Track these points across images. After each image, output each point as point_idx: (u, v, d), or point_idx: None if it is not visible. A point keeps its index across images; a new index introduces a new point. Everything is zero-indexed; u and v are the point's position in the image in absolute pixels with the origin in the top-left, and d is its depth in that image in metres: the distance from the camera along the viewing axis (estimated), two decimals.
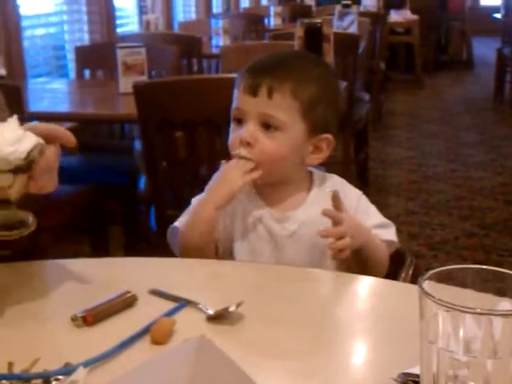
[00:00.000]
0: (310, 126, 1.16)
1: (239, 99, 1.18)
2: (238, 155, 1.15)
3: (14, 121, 0.92)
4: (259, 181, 1.18)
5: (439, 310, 0.58)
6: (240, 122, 1.17)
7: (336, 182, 1.24)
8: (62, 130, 0.98)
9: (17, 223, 0.94)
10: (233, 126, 1.19)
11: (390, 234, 1.21)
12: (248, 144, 1.14)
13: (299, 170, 1.21)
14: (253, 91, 1.15)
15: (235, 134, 1.17)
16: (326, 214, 1.09)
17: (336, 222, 1.09)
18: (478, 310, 0.56)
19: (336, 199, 1.12)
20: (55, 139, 0.96)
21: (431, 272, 0.61)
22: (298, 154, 1.18)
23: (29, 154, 0.90)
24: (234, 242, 1.20)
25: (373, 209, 1.23)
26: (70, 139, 0.98)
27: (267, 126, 1.14)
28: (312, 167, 1.25)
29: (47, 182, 0.96)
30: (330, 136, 1.19)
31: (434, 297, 0.57)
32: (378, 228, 1.20)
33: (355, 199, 1.22)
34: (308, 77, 1.18)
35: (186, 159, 1.99)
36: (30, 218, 0.95)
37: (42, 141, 0.92)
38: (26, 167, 0.90)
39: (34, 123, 0.98)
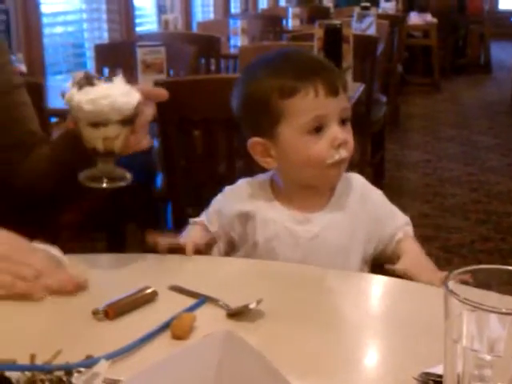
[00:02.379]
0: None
1: (318, 105, 1.12)
2: (340, 159, 1.14)
3: (120, 78, 0.99)
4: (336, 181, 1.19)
5: (464, 310, 0.58)
6: (318, 130, 1.13)
7: (358, 182, 1.23)
8: (154, 88, 1.04)
9: (115, 177, 1.01)
10: (308, 137, 1.13)
11: (410, 228, 1.23)
12: (343, 144, 1.14)
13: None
14: (335, 91, 1.13)
15: (316, 146, 1.13)
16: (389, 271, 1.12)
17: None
18: (503, 310, 0.56)
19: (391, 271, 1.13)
20: (149, 96, 1.03)
21: (457, 271, 0.61)
22: None
23: (137, 106, 0.98)
24: (256, 247, 1.19)
25: (393, 207, 1.24)
26: (163, 93, 1.07)
27: (343, 121, 1.15)
28: None
29: (143, 138, 1.04)
30: None
31: (459, 296, 0.57)
32: (407, 225, 1.22)
33: (378, 199, 1.23)
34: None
35: (204, 157, 1.99)
36: (127, 174, 1.02)
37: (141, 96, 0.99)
38: (133, 118, 0.98)
39: None
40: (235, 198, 1.22)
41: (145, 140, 1.05)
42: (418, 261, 1.15)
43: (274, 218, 1.18)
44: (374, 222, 1.20)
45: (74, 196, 1.25)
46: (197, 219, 1.25)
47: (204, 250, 1.16)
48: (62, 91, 0.99)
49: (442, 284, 1.02)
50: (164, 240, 1.11)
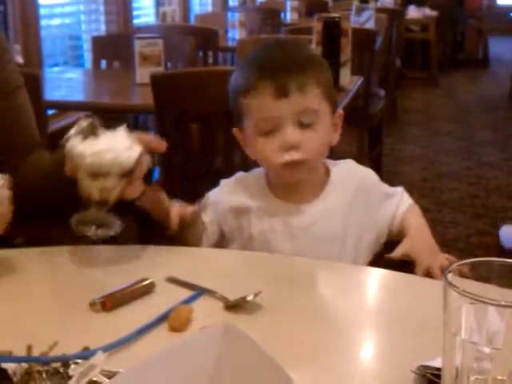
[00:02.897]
0: (331, 106, 1.18)
1: (267, 108, 1.12)
2: (291, 160, 1.13)
3: (123, 130, 0.99)
4: (303, 178, 1.17)
5: (463, 302, 0.58)
6: (270, 131, 1.13)
7: (351, 168, 1.25)
8: (152, 138, 1.05)
9: (106, 225, 1.00)
10: (260, 139, 1.14)
11: (407, 196, 1.28)
12: (294, 147, 1.12)
13: (326, 154, 1.22)
14: (284, 93, 1.11)
15: (267, 147, 1.13)
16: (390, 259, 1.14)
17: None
18: (503, 303, 0.56)
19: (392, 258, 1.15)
20: (147, 148, 1.02)
21: (456, 264, 0.61)
22: (328, 138, 1.18)
23: (137, 160, 0.97)
24: (251, 240, 1.19)
25: (386, 187, 1.27)
26: (161, 145, 1.05)
27: (302, 124, 1.13)
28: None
29: (137, 188, 1.02)
30: (340, 110, 1.22)
31: (458, 288, 0.57)
32: (403, 198, 1.26)
33: (373, 184, 1.25)
34: (316, 59, 1.21)
35: (202, 151, 1.99)
36: (117, 223, 1.01)
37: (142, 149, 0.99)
38: (132, 172, 0.98)
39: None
40: (231, 192, 1.22)
41: (138, 189, 1.04)
42: (420, 240, 1.18)
43: (269, 210, 1.18)
44: (371, 207, 1.21)
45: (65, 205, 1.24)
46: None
47: (189, 217, 1.13)
48: (65, 137, 0.99)
49: (441, 271, 1.03)
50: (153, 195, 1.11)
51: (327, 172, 1.22)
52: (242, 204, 1.20)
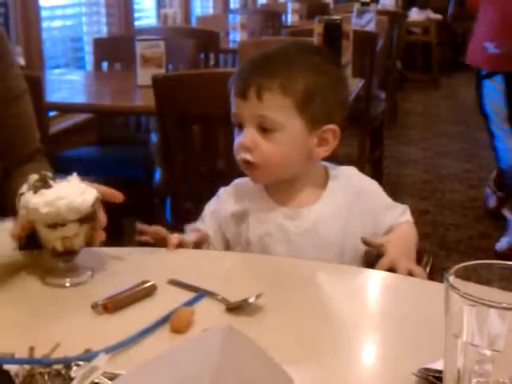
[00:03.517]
0: (308, 120, 1.12)
1: (233, 104, 1.15)
2: (244, 160, 1.14)
3: (75, 177, 1.00)
4: (265, 182, 1.18)
5: (464, 305, 0.58)
6: (241, 126, 1.14)
7: (353, 175, 1.23)
8: (108, 189, 1.04)
9: (79, 273, 1.00)
10: (236, 131, 1.17)
11: (408, 214, 1.24)
12: (248, 149, 1.13)
13: (308, 165, 1.18)
14: (242, 94, 1.12)
15: (237, 139, 1.15)
16: (365, 243, 1.13)
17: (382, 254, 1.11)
18: (504, 305, 0.56)
19: (368, 243, 1.14)
20: (104, 197, 1.02)
21: (457, 266, 0.61)
22: (302, 150, 1.14)
23: (94, 203, 0.98)
24: (249, 245, 1.19)
25: (389, 200, 1.24)
26: (117, 196, 1.05)
27: (264, 128, 1.12)
28: (326, 162, 1.22)
29: (103, 232, 1.03)
30: (333, 126, 1.14)
31: (459, 290, 0.57)
32: (404, 213, 1.23)
33: (374, 192, 1.22)
34: (297, 69, 1.12)
35: (203, 153, 1.99)
36: (89, 272, 1.01)
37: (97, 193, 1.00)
38: (91, 216, 0.98)
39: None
40: (230, 199, 1.22)
41: (101, 236, 1.03)
42: (399, 248, 1.14)
43: (266, 214, 1.18)
44: (371, 215, 1.19)
45: None
46: (191, 226, 1.24)
47: (189, 246, 1.15)
48: (18, 194, 0.98)
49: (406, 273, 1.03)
50: (151, 229, 1.12)
51: (326, 177, 1.21)
52: (240, 209, 1.20)
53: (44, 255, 1.03)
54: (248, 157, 1.13)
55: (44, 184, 0.97)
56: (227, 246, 1.23)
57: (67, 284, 0.98)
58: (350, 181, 1.20)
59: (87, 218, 0.98)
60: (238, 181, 1.25)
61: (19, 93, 1.30)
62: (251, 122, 1.12)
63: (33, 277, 1.00)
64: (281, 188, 1.19)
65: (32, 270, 1.02)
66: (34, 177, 0.98)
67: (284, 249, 1.16)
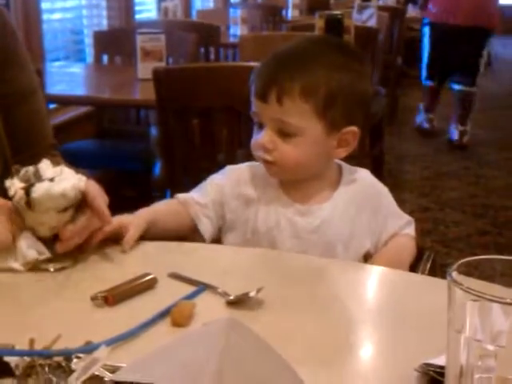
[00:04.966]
0: (328, 124, 1.11)
1: (254, 104, 1.14)
2: (263, 159, 1.14)
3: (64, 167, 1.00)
4: (283, 178, 1.17)
5: (467, 300, 0.57)
6: (261, 125, 1.14)
7: (366, 178, 1.22)
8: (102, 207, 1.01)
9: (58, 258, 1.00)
10: (255, 127, 1.16)
11: (412, 228, 1.23)
12: (267, 150, 1.13)
13: (326, 164, 1.18)
14: (263, 97, 1.11)
15: (255, 137, 1.15)
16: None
17: None
18: (507, 300, 0.56)
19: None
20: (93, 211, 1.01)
21: (460, 262, 0.61)
22: (322, 151, 1.14)
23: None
24: (256, 234, 1.18)
25: (397, 208, 1.23)
26: (107, 219, 1.02)
27: (283, 132, 1.11)
28: (341, 161, 1.22)
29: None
30: (354, 128, 1.13)
31: (462, 285, 0.57)
32: (408, 225, 1.22)
33: (385, 198, 1.22)
34: (319, 71, 1.10)
35: (203, 146, 1.99)
36: (68, 260, 1.01)
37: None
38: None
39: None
40: (238, 180, 1.20)
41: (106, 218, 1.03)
42: (387, 258, 1.15)
43: (277, 207, 1.17)
44: (377, 220, 1.19)
45: None
46: (182, 195, 1.21)
47: (126, 232, 1.09)
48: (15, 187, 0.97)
49: None
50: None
51: (340, 176, 1.20)
52: (251, 194, 1.19)
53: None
54: (267, 157, 1.13)
55: (37, 177, 0.97)
56: (219, 227, 1.20)
57: (51, 269, 0.98)
58: (362, 183, 1.20)
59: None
60: (251, 164, 1.22)
61: (35, 88, 1.30)
62: (271, 124, 1.12)
63: (30, 270, 0.99)
64: (295, 183, 1.18)
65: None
66: (30, 168, 0.98)
67: (291, 244, 1.16)
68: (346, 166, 1.22)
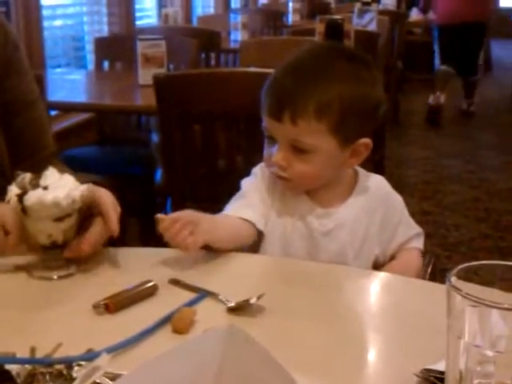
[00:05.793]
0: (342, 139, 1.11)
1: (266, 121, 1.14)
2: (276, 174, 1.15)
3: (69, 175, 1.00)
4: (298, 191, 1.17)
5: (467, 306, 0.58)
6: (272, 139, 1.14)
7: (381, 184, 1.23)
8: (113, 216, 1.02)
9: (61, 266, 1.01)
10: (266, 141, 1.16)
11: (421, 241, 1.24)
12: (281, 167, 1.13)
13: (340, 172, 1.19)
14: (276, 117, 1.10)
15: (268, 151, 1.15)
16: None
17: None
18: (506, 306, 0.56)
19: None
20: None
21: (459, 267, 0.61)
22: (335, 163, 1.15)
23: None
24: (271, 231, 1.18)
25: (409, 218, 1.24)
26: (113, 229, 1.03)
27: (297, 149, 1.11)
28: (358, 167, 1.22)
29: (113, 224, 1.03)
30: (366, 140, 1.14)
31: (461, 291, 0.57)
32: (418, 237, 1.23)
33: (398, 205, 1.23)
34: (330, 89, 1.08)
35: (204, 152, 1.99)
36: (72, 267, 1.01)
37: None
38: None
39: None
40: (266, 178, 1.20)
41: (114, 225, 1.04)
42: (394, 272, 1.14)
43: (294, 206, 1.18)
44: (388, 227, 1.20)
45: None
46: (239, 215, 1.16)
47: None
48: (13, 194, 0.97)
49: None
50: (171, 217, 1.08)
51: (355, 181, 1.20)
52: (273, 191, 1.19)
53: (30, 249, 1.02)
54: (282, 173, 1.14)
55: (35, 184, 0.96)
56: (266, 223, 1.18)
57: (55, 277, 0.99)
58: (376, 189, 1.21)
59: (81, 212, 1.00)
60: None
61: (35, 97, 1.30)
62: (284, 141, 1.12)
63: (31, 277, 1.00)
64: (315, 188, 1.19)
65: (17, 264, 1.02)
66: (27, 175, 0.98)
67: (304, 245, 1.17)
68: (362, 172, 1.22)
